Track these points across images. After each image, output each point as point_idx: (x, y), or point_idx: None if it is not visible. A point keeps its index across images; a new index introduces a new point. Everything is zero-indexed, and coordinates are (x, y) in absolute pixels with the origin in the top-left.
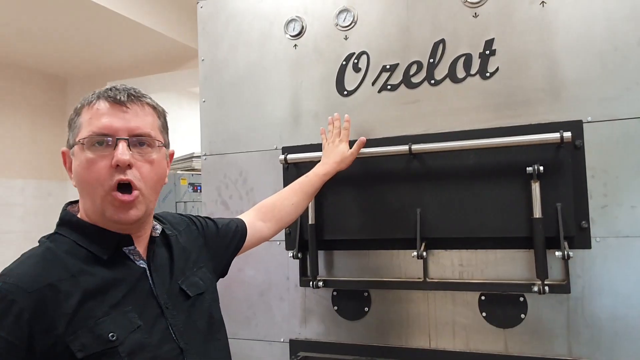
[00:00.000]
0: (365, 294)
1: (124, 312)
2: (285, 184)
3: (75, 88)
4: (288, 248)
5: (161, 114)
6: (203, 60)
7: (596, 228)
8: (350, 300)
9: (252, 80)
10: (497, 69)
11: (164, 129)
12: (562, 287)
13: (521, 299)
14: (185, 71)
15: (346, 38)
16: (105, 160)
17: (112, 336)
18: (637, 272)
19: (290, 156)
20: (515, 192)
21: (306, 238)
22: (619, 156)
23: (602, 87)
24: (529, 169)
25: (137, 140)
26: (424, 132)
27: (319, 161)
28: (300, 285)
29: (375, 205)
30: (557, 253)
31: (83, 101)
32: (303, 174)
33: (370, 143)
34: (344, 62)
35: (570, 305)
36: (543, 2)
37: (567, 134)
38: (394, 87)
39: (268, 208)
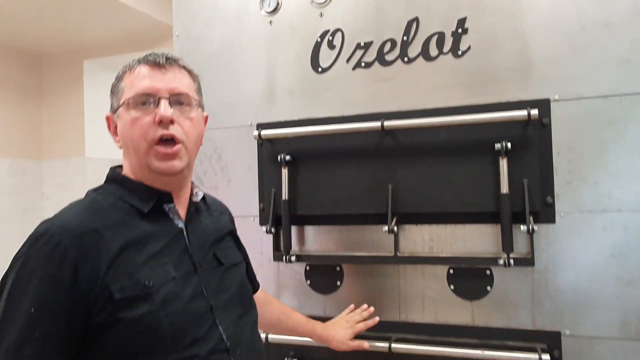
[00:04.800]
0: (338, 268)
1: (162, 263)
2: (260, 160)
3: (50, 65)
4: (262, 223)
5: (195, 78)
6: (178, 35)
7: (561, 203)
8: (323, 274)
9: (227, 57)
10: (469, 47)
11: (199, 91)
12: (527, 261)
13: (488, 272)
14: (163, 50)
15: (321, 15)
16: (149, 117)
17: (149, 282)
18: (599, 245)
19: (264, 132)
20: (484, 168)
21: (279, 213)
22: (584, 134)
23: (570, 66)
24: (498, 145)
25: (177, 100)
26: (397, 109)
27: (293, 137)
28: (274, 260)
29: (348, 181)
30: (522, 227)
31: (124, 68)
32: (277, 150)
33: (343, 120)
34: (319, 39)
35: (534, 278)
36: None
37: (534, 112)
38: (368, 65)
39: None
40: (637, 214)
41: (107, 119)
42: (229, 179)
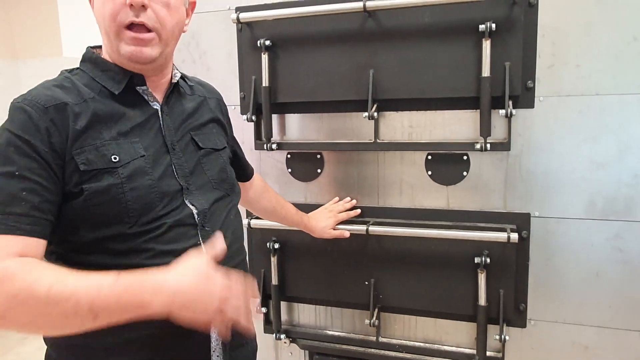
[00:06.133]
0: (318, 156)
1: (130, 141)
2: (239, 46)
3: None
4: (242, 112)
5: None
6: None
7: (541, 87)
8: (304, 162)
9: None
10: None
11: None
12: (503, 145)
13: (465, 157)
14: None
15: None
16: None
17: (115, 158)
18: (574, 130)
19: (243, 15)
20: (467, 51)
21: (260, 101)
22: (571, 14)
23: None
24: (482, 26)
25: None
26: None
27: (273, 21)
28: (255, 149)
29: (329, 67)
30: (501, 112)
31: None
32: (257, 35)
33: (325, 1)
34: None
35: (509, 162)
36: None
37: None
38: None
39: (266, 195)
40: (615, 97)
41: None
42: (207, 67)
